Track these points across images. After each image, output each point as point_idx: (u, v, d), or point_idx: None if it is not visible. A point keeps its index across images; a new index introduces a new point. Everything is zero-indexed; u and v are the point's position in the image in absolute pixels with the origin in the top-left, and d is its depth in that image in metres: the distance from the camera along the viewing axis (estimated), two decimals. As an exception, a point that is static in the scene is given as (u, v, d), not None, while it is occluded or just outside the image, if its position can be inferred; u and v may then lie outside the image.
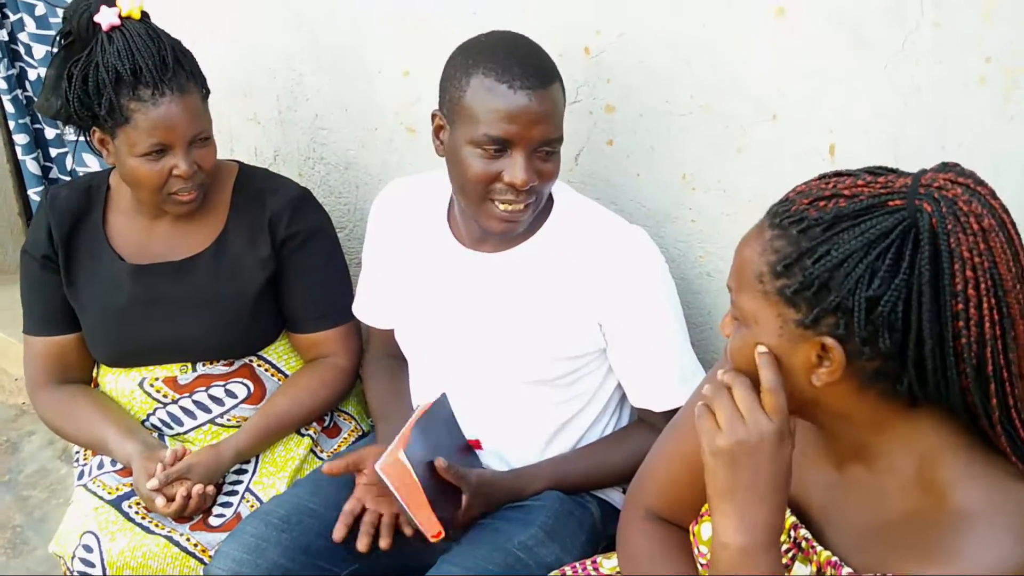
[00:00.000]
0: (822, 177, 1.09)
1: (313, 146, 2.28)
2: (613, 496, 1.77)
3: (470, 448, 1.71)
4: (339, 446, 1.95)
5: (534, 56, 1.52)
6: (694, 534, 1.32)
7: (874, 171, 1.07)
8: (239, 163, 1.92)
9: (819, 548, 1.16)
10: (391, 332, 1.82)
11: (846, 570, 1.12)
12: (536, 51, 1.54)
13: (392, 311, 1.81)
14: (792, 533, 1.20)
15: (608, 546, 1.65)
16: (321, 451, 1.92)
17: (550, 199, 1.66)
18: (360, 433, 2.00)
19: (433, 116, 1.59)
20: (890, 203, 1.01)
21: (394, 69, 2.05)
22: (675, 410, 1.61)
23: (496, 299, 1.65)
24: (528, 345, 1.63)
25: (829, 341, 1.03)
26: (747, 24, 1.60)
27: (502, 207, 1.52)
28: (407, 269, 1.74)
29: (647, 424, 1.71)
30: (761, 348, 1.08)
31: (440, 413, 1.65)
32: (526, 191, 1.50)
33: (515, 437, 1.71)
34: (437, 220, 1.71)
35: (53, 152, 3.10)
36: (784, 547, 1.18)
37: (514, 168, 1.48)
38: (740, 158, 1.70)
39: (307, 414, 1.88)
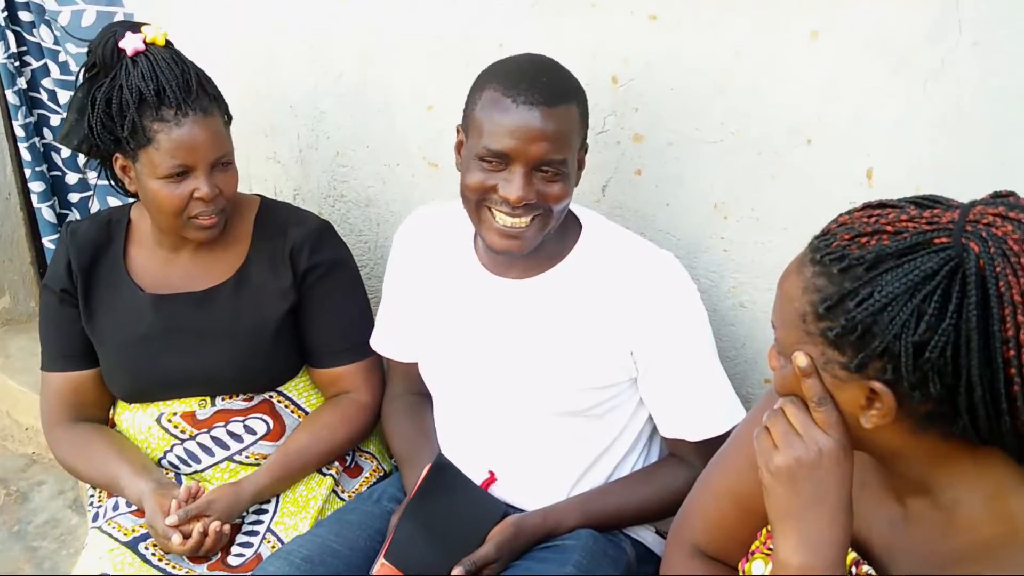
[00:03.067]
0: (865, 207, 1.03)
1: (333, 184, 2.26)
2: (646, 536, 1.71)
3: (484, 491, 1.66)
4: (360, 486, 1.89)
5: (550, 75, 1.50)
6: (744, 572, 1.26)
7: (920, 202, 1.01)
8: (261, 196, 1.90)
9: None
10: (413, 366, 1.78)
11: None
12: (556, 72, 1.52)
13: (415, 343, 1.77)
14: (853, 570, 1.13)
15: (643, 587, 1.59)
16: (343, 491, 1.86)
17: (578, 225, 1.63)
18: (382, 473, 1.94)
19: (457, 131, 1.59)
20: (936, 240, 0.95)
21: (418, 104, 2.04)
22: (710, 440, 1.58)
23: (524, 327, 1.61)
24: (558, 374, 1.59)
25: (878, 386, 0.97)
26: (780, 48, 1.58)
27: (499, 220, 1.50)
28: (432, 298, 1.70)
29: (677, 458, 1.66)
30: (802, 360, 1.02)
31: (441, 476, 1.63)
32: (523, 207, 1.47)
33: (545, 472, 1.65)
34: (463, 247, 1.68)
35: (74, 197, 3.08)
36: None
37: (509, 184, 1.46)
38: (774, 185, 1.66)
39: (328, 451, 1.83)
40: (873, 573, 1.12)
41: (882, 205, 1.02)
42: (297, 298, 1.80)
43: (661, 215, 1.80)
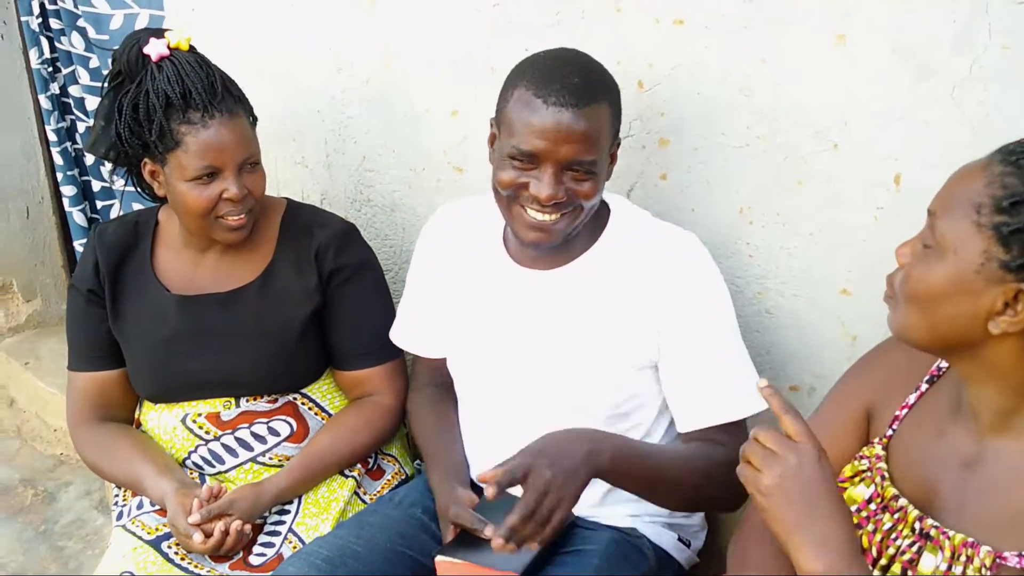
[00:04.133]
0: None
1: (360, 188, 2.27)
2: (667, 541, 1.70)
3: None
4: (382, 488, 1.89)
5: (582, 73, 1.48)
6: (846, 496, 1.26)
7: None
8: (288, 199, 1.91)
9: (952, 533, 1.10)
10: (440, 360, 1.78)
11: (985, 548, 1.06)
12: (589, 70, 1.51)
13: (443, 338, 1.76)
14: (917, 525, 1.14)
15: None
16: (364, 493, 1.86)
17: (607, 211, 1.63)
18: (404, 476, 1.94)
19: (490, 124, 1.59)
20: None
21: (442, 109, 2.05)
22: (734, 424, 1.55)
23: (554, 317, 1.60)
24: (587, 363, 1.58)
25: None
26: (805, 53, 1.57)
27: (531, 213, 1.50)
28: (460, 292, 1.70)
29: (708, 442, 1.56)
30: (761, 383, 1.09)
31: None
32: (553, 205, 1.48)
33: None
34: (492, 240, 1.69)
35: (100, 204, 3.12)
36: (909, 541, 1.13)
37: (540, 183, 1.47)
38: (800, 190, 1.65)
39: (351, 454, 1.83)
40: (939, 524, 1.12)
41: None
42: (322, 300, 1.81)
43: (687, 220, 1.79)
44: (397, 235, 2.26)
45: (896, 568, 1.13)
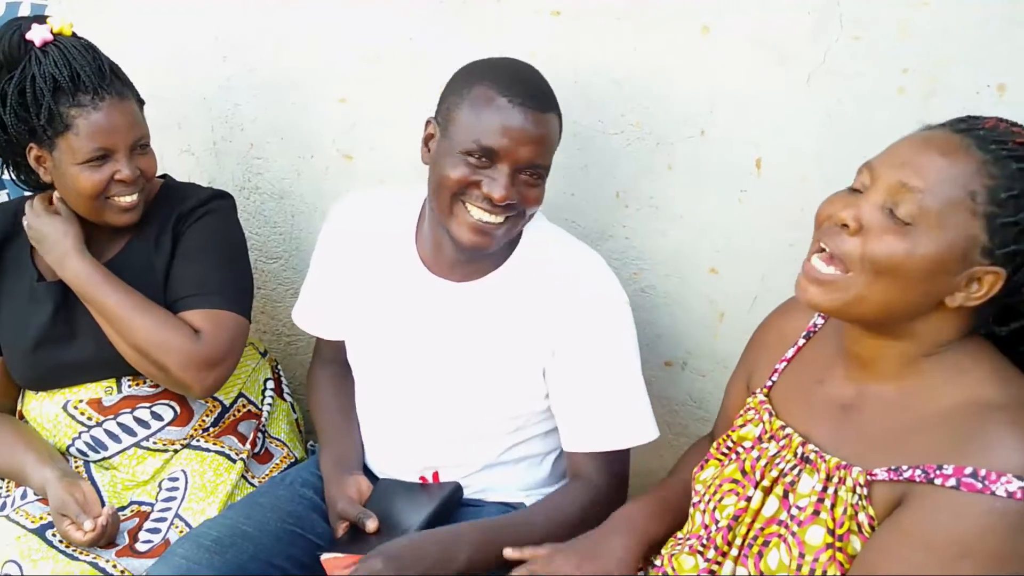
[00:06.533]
0: (1016, 125, 1.13)
1: (248, 176, 2.27)
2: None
3: (424, 487, 1.68)
4: (271, 472, 1.90)
5: (537, 82, 1.52)
6: (694, 477, 1.38)
7: None
8: (166, 177, 1.92)
9: (828, 456, 1.19)
10: (340, 341, 1.80)
11: (857, 469, 1.15)
12: (541, 79, 1.53)
13: (343, 323, 1.77)
14: (800, 451, 1.23)
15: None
16: (252, 476, 1.87)
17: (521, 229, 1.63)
18: (293, 460, 1.95)
19: (427, 123, 1.57)
20: None
21: (330, 96, 2.07)
22: (616, 454, 1.59)
23: (457, 330, 1.61)
24: (484, 376, 1.61)
25: (999, 271, 1.07)
26: (675, 43, 1.65)
27: (474, 214, 1.49)
28: (364, 285, 1.70)
29: (580, 481, 1.62)
30: None
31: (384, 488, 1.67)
32: (502, 207, 1.48)
33: (472, 463, 1.69)
34: (404, 241, 1.68)
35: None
36: (791, 465, 1.22)
37: (494, 182, 1.46)
38: (670, 175, 1.74)
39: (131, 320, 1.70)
40: (818, 449, 1.21)
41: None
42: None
43: (567, 205, 1.86)
44: (286, 222, 2.27)
45: (779, 489, 1.21)
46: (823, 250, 1.14)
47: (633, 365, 1.60)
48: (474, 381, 1.62)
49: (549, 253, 1.61)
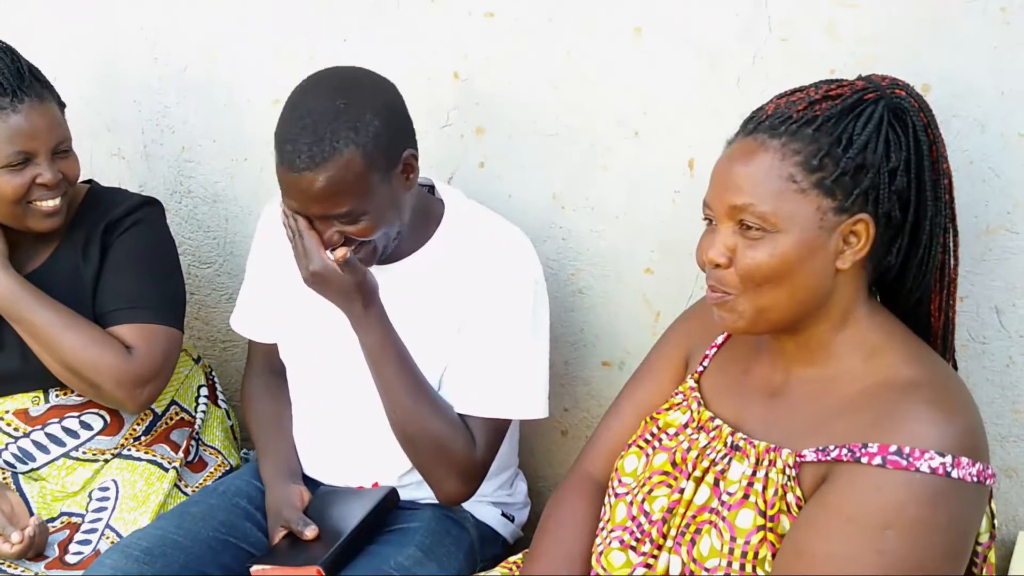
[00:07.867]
0: (793, 92, 1.20)
1: (180, 179, 2.23)
2: (490, 517, 1.76)
3: (361, 492, 1.67)
4: (205, 480, 1.87)
5: (318, 128, 1.40)
6: (616, 468, 1.37)
7: (827, 82, 1.20)
8: (91, 182, 1.87)
9: (757, 441, 1.21)
10: (273, 347, 1.77)
11: (786, 451, 1.17)
12: (327, 121, 1.40)
13: (273, 324, 1.76)
14: (729, 440, 1.25)
15: (484, 567, 1.63)
16: (186, 486, 1.84)
17: (441, 208, 1.63)
18: (227, 468, 1.92)
19: None
20: (867, 96, 1.15)
21: (264, 98, 2.04)
22: (499, 421, 1.58)
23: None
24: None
25: (865, 216, 1.13)
26: (607, 45, 1.66)
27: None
28: (289, 281, 1.67)
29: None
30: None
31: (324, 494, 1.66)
32: (336, 246, 1.47)
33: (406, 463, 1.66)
34: None
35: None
36: (721, 454, 1.25)
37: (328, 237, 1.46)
38: (605, 176, 1.74)
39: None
40: (747, 436, 1.23)
41: (801, 89, 1.20)
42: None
43: (504, 206, 1.85)
44: (220, 226, 2.23)
45: (709, 478, 1.24)
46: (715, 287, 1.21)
47: (528, 340, 1.58)
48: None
49: (468, 230, 1.62)
